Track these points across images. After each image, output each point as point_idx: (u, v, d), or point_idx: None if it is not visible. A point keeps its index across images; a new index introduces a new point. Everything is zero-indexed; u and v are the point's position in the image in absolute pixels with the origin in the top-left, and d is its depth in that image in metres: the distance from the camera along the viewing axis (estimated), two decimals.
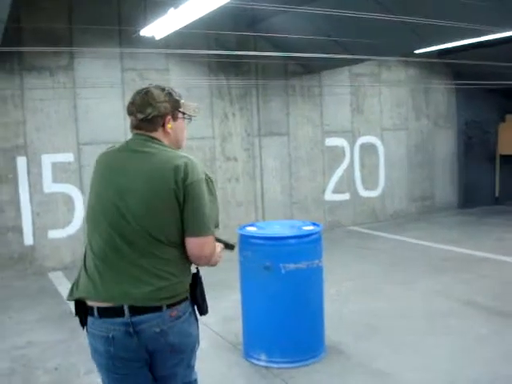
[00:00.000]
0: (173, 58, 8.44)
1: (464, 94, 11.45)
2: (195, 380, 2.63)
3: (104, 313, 2.30)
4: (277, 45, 9.09)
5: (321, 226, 4.48)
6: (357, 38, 7.84)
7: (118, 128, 7.87)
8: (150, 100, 2.42)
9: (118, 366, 2.36)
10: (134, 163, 2.39)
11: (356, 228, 10.13)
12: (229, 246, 2.68)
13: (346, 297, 6.04)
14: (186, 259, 2.41)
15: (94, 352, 2.41)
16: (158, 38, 7.37)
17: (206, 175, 2.41)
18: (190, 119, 2.60)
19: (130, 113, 2.49)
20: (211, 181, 2.43)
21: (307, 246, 4.28)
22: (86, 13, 7.72)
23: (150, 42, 7.69)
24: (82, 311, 2.38)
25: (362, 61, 8.91)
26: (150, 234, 2.30)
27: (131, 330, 2.27)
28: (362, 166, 10.45)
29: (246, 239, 4.35)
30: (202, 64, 8.63)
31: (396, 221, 10.72)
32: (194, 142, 8.62)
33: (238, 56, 8.61)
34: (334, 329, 4.87)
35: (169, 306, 2.31)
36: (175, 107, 2.48)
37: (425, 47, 8.20)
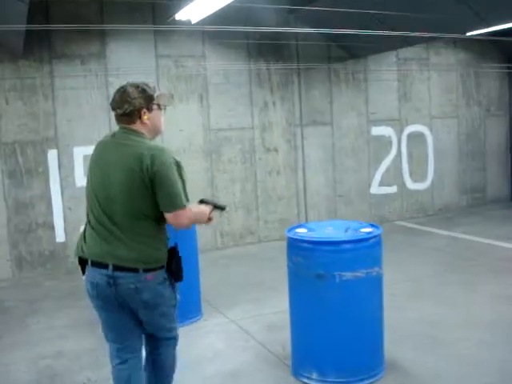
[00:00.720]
0: (209, 44, 7.96)
1: None
2: (174, 338, 3.18)
3: (94, 264, 2.89)
4: (319, 27, 8.53)
5: (380, 228, 3.95)
6: (407, 18, 7.27)
7: None
8: (126, 97, 2.87)
9: (102, 305, 2.98)
10: (115, 153, 2.89)
11: (404, 223, 9.53)
12: (219, 207, 3.14)
13: (402, 302, 5.49)
14: (162, 233, 2.94)
15: (87, 293, 3.02)
16: (194, 21, 6.90)
17: (175, 160, 2.84)
18: (165, 108, 3.05)
19: (112, 109, 2.95)
20: (179, 165, 2.85)
21: (366, 251, 3.75)
22: None
23: (186, 27, 7.23)
24: (83, 264, 2.98)
25: (410, 43, 8.26)
26: (129, 212, 2.82)
27: (111, 281, 2.83)
28: (410, 156, 9.82)
29: (295, 243, 3.85)
30: (241, 49, 8.13)
31: (446, 215, 10.07)
32: (232, 132, 8.16)
33: (279, 39, 8.11)
34: (392, 342, 4.32)
35: (145, 270, 2.83)
36: (149, 101, 2.92)
37: (483, 27, 7.53)
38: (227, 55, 8.06)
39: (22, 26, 4.78)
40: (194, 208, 2.97)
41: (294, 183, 8.73)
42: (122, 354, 3.11)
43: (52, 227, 7.29)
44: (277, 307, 5.48)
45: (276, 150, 8.53)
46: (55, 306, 6.01)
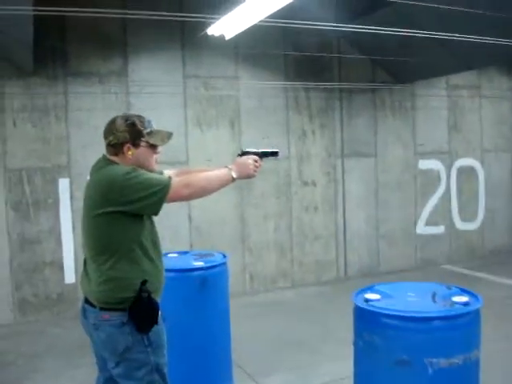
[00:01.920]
0: (243, 64, 7.13)
1: None
2: None
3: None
4: (363, 49, 7.71)
5: (479, 298, 3.00)
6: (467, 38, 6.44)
7: (178, 145, 6.61)
8: (112, 129, 2.70)
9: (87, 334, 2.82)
10: (88, 184, 2.74)
11: (453, 268, 8.51)
12: (268, 155, 2.91)
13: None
14: (131, 271, 2.61)
15: None
16: (228, 37, 6.10)
17: (126, 172, 2.56)
18: (156, 147, 2.78)
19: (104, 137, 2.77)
20: (132, 170, 2.57)
21: (465, 330, 2.80)
22: (143, 9, 6.49)
23: (218, 44, 6.43)
24: None
25: (470, 67, 7.39)
26: (92, 246, 2.66)
27: (84, 312, 2.75)
28: (460, 193, 8.86)
29: (368, 316, 2.90)
30: (278, 71, 7.29)
31: (497, 258, 9.04)
32: (266, 163, 7.22)
33: (320, 61, 7.31)
34: None
35: (102, 309, 2.61)
36: (136, 136, 2.70)
37: None
38: (262, 77, 7.19)
39: (29, 9, 3.86)
40: (200, 173, 2.77)
41: (333, 221, 7.79)
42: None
43: (61, 267, 6.40)
44: (325, 378, 4.53)
45: (314, 184, 7.61)
46: (61, 363, 5.09)
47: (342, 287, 7.52)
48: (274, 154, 3.00)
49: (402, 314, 2.78)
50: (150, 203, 2.54)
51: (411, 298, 3.03)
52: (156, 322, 2.64)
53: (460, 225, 8.89)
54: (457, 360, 2.75)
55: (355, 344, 3.03)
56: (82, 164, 6.36)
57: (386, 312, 2.81)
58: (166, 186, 2.56)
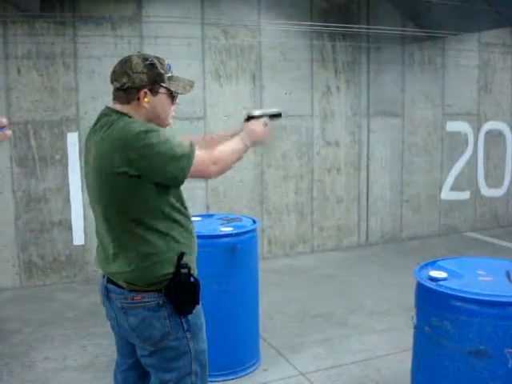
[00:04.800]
0: (267, 14, 6.59)
1: None
2: None
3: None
4: (394, 2, 7.17)
5: None
6: None
7: (195, 99, 6.16)
8: (127, 69, 2.19)
9: (106, 315, 2.41)
10: (92, 141, 2.24)
11: (477, 235, 8.12)
12: (274, 116, 2.58)
13: None
14: (163, 244, 2.18)
15: None
16: None
17: (147, 130, 2.08)
18: (175, 96, 2.32)
19: (111, 81, 2.27)
20: (153, 129, 2.10)
21: None
22: None
23: None
24: None
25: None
26: (108, 215, 2.19)
27: (106, 293, 2.29)
28: (487, 158, 8.40)
29: (439, 298, 2.50)
30: (303, 21, 6.74)
31: None
32: (288, 120, 6.76)
33: (348, 14, 6.79)
34: None
35: (133, 290, 2.19)
36: (156, 81, 2.22)
37: None
38: (286, 27, 6.66)
39: None
40: (222, 146, 2.30)
41: (356, 184, 7.36)
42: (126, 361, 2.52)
43: (69, 227, 6.00)
44: (358, 354, 4.18)
45: (337, 144, 7.15)
46: (69, 332, 4.72)
47: (363, 254, 7.16)
48: (279, 115, 2.64)
49: (479, 297, 2.38)
50: (173, 172, 2.12)
51: (483, 278, 2.62)
52: (198, 302, 2.25)
53: (486, 191, 8.47)
54: None
55: (418, 328, 2.63)
56: (92, 117, 5.82)
57: (461, 295, 2.40)
58: (192, 152, 2.14)
